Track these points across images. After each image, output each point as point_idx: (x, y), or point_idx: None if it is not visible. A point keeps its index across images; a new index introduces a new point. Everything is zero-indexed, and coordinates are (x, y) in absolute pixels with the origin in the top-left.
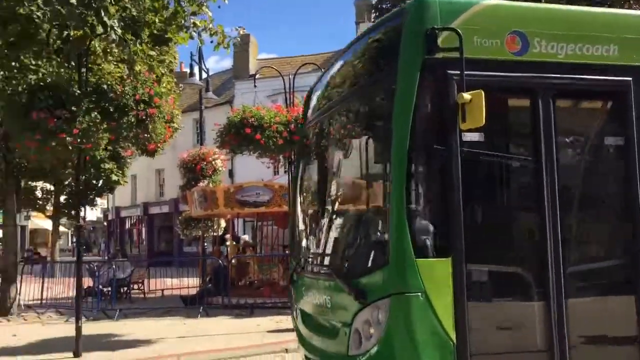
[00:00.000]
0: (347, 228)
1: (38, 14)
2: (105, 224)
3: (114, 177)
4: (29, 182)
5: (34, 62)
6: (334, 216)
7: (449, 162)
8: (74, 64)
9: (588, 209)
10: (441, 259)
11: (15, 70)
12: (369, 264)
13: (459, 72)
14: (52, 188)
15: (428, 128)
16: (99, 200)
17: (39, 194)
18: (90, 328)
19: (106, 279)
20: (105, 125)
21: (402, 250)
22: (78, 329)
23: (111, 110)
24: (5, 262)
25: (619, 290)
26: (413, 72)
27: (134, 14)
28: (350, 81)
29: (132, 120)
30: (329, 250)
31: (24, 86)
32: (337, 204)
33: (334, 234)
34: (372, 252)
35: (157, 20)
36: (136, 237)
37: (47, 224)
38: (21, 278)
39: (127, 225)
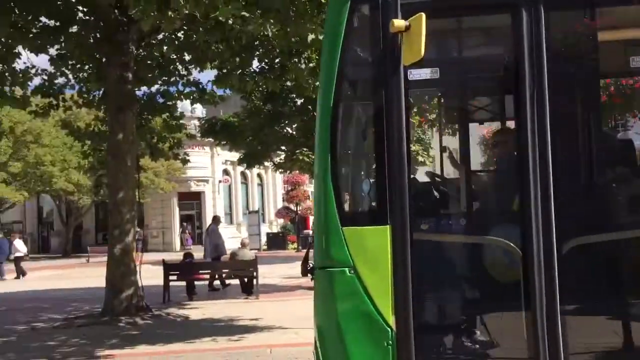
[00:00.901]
0: None
1: None
2: None
3: None
4: None
5: None
6: None
7: (389, 108)
8: None
9: (597, 174)
10: (376, 226)
11: None
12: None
13: None
14: None
15: (361, 68)
16: None
17: None
18: None
19: None
20: None
21: (326, 216)
22: None
23: None
24: None
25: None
26: (341, 3)
27: None
28: None
29: None
30: None
31: None
32: None
33: None
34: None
35: None
36: None
37: None
38: None
39: None
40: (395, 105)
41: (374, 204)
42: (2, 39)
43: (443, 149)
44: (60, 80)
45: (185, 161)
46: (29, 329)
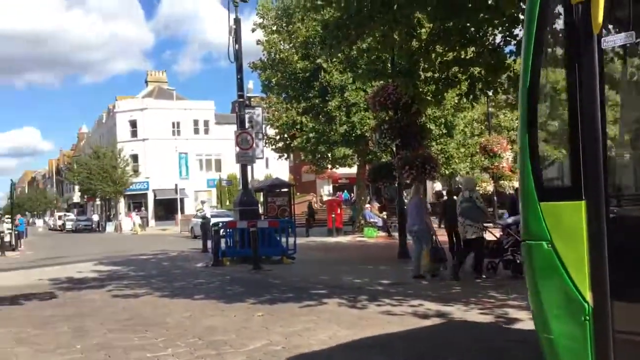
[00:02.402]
0: None
1: None
2: None
3: None
4: None
5: None
6: None
7: (584, 80)
8: None
9: None
10: (571, 202)
11: None
12: None
13: None
14: None
15: (556, 41)
16: None
17: None
18: None
19: None
20: None
21: (526, 191)
22: None
23: None
24: None
25: None
26: None
27: None
28: None
29: None
30: None
31: None
32: None
33: None
34: None
35: None
36: None
37: None
38: None
39: None
40: (587, 74)
41: (568, 179)
42: None
43: None
44: None
45: None
46: None
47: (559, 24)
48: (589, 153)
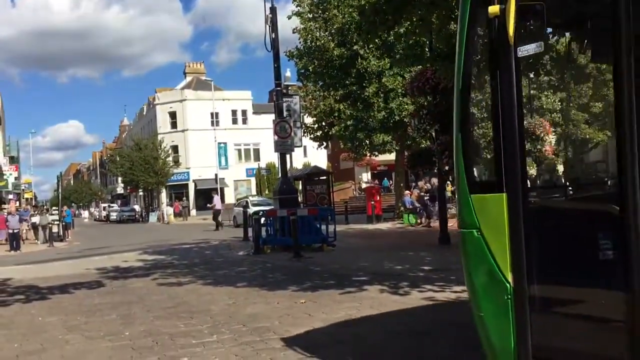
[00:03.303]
0: None
1: None
2: None
3: None
4: None
5: None
6: None
7: (503, 85)
8: None
9: None
10: (494, 194)
11: None
12: None
13: None
14: None
15: (480, 50)
16: None
17: None
18: None
19: None
20: None
21: (460, 184)
22: None
23: None
24: None
25: None
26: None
27: None
28: None
29: None
30: None
31: None
32: None
33: None
34: None
35: None
36: None
37: None
38: None
39: None
40: (506, 80)
41: (492, 174)
42: None
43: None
44: None
45: None
46: None
47: (484, 35)
48: (508, 150)
